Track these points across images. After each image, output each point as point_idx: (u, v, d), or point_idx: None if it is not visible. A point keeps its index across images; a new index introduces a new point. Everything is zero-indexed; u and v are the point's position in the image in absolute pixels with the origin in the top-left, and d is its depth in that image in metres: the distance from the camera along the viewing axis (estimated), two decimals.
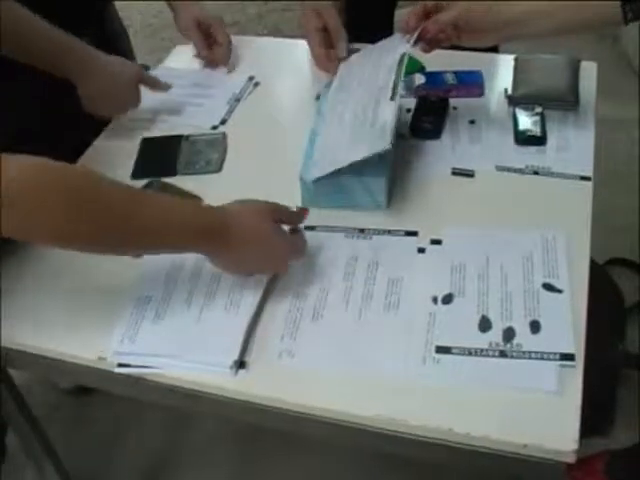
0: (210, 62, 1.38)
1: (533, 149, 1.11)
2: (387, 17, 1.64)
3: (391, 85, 0.88)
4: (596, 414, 1.45)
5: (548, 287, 0.89)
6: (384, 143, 0.85)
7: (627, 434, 1.46)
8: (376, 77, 0.97)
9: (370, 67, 1.03)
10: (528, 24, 1.00)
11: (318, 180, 1.02)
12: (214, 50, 1.37)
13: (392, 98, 0.87)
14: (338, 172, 1.02)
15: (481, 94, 1.24)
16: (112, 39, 1.41)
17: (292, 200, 1.04)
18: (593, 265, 0.94)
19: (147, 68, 1.41)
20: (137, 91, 1.21)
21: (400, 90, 0.91)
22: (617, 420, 1.50)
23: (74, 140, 1.21)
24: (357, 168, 1.02)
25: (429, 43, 1.04)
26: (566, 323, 0.85)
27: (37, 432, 1.16)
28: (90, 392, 1.67)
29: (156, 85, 1.25)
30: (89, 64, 1.14)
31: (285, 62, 1.42)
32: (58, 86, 1.16)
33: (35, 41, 1.07)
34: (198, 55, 1.39)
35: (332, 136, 0.89)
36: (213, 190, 1.10)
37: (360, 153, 0.88)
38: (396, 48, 1.00)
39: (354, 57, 1.10)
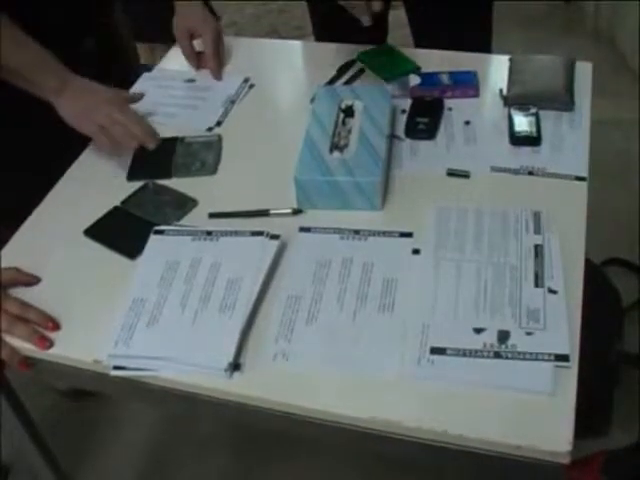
0: (200, 69, 1.38)
1: (528, 149, 1.11)
2: (380, 18, 1.63)
3: (532, 276, 0.90)
4: (594, 414, 1.45)
5: None
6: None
7: (625, 434, 1.46)
8: (504, 253, 0.94)
9: (487, 237, 0.97)
10: None
11: (313, 181, 1.02)
12: (202, 61, 1.37)
13: (537, 285, 0.89)
14: (332, 174, 1.02)
15: (476, 95, 1.24)
16: (116, 49, 1.42)
17: (287, 202, 1.05)
18: (590, 265, 0.93)
19: (149, 68, 1.41)
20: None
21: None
22: (615, 420, 1.50)
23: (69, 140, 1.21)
24: (352, 169, 1.02)
25: None
26: (561, 324, 0.85)
27: (34, 434, 1.16)
28: (87, 393, 1.67)
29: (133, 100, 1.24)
30: (67, 82, 1.13)
31: (280, 64, 1.42)
32: None
33: (14, 55, 1.08)
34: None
35: (450, 296, 0.89)
36: (208, 192, 1.10)
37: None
38: (522, 234, 0.97)
39: (446, 215, 1.01)
